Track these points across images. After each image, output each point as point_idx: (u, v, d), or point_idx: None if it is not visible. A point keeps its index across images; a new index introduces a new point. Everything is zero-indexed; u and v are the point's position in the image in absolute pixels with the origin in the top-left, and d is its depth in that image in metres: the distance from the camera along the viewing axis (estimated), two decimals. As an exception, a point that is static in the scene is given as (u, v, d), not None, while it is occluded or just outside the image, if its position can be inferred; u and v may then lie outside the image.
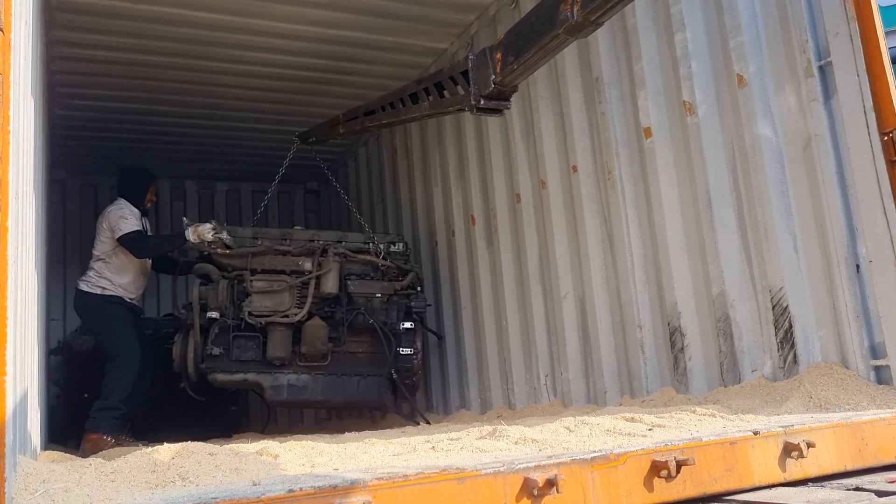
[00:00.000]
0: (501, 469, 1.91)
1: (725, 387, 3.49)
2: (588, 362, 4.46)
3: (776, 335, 3.29)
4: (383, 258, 5.34)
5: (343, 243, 5.41)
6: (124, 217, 5.29)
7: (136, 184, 5.63)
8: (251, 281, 5.12)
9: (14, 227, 1.70)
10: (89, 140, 7.19)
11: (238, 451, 2.61)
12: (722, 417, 2.68)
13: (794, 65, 3.27)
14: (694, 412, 2.82)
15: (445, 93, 4.07)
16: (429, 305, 5.81)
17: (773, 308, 3.30)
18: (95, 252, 5.40)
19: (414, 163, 6.54)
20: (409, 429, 4.48)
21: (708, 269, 3.60)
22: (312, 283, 5.13)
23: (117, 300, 5.35)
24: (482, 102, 3.66)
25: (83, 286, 5.36)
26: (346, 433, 4.41)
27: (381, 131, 6.89)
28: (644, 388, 3.96)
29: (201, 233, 5.08)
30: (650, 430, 2.48)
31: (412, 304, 5.31)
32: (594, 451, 2.05)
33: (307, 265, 5.21)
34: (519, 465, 1.93)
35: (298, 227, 5.77)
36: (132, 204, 5.45)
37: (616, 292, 4.22)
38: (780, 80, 3.35)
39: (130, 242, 5.25)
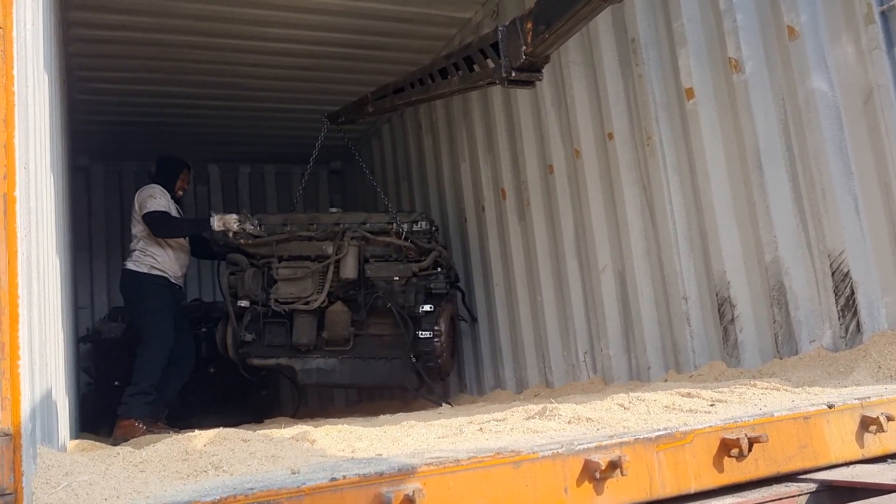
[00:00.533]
0: (560, 451, 1.75)
1: (781, 359, 3.30)
2: (629, 337, 4.28)
3: (836, 303, 3.09)
4: (405, 238, 5.18)
5: (368, 224, 5.30)
6: (153, 196, 5.26)
7: (169, 170, 5.62)
8: (277, 268, 5.17)
9: (24, 199, 1.56)
10: (110, 125, 7.09)
11: (273, 436, 2.48)
12: (787, 391, 2.50)
13: (852, 12, 3.04)
14: (755, 386, 2.64)
15: (475, 66, 3.93)
16: (454, 287, 5.60)
17: (833, 274, 3.09)
18: (134, 232, 5.33)
19: (440, 138, 6.36)
20: (446, 409, 4.34)
21: (759, 234, 3.40)
22: (331, 267, 5.11)
23: (162, 281, 5.25)
24: (513, 74, 3.55)
25: (130, 265, 5.25)
26: (381, 416, 4.28)
27: (405, 108, 6.75)
28: (691, 362, 3.77)
29: (227, 221, 5.12)
30: (712, 405, 2.31)
31: (431, 285, 5.13)
32: (658, 430, 1.89)
33: (330, 250, 5.18)
34: (578, 446, 1.77)
35: (335, 210, 5.65)
36: (164, 189, 5.41)
37: (658, 263, 4.03)
38: (836, 30, 3.13)
39: (153, 220, 5.20)
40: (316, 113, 7.25)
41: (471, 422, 2.77)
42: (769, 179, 3.36)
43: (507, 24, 3.61)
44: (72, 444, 3.68)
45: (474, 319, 5.66)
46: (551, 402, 2.47)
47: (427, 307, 5.07)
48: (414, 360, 5.03)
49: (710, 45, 3.66)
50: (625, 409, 2.34)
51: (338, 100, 6.95)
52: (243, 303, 5.11)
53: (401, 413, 4.60)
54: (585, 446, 1.78)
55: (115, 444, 3.98)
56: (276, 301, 5.09)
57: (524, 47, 3.45)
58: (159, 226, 5.22)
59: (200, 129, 7.46)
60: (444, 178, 6.31)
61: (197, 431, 2.59)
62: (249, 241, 5.18)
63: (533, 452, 1.74)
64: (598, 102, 4.43)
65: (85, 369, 6.79)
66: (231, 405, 6.93)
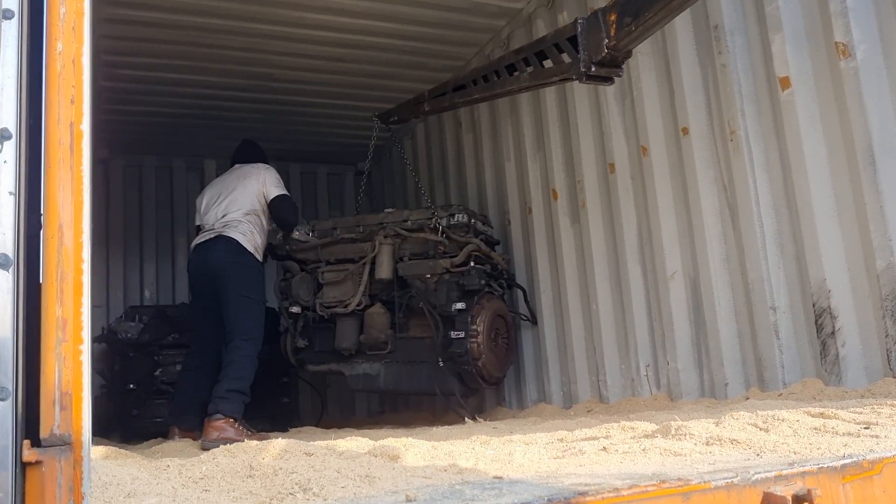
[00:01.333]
0: (735, 481, 1.40)
1: (895, 377, 2.94)
2: (701, 350, 3.92)
3: (969, 315, 2.74)
4: (441, 233, 4.86)
5: (409, 222, 5.06)
6: (280, 179, 4.89)
7: (262, 156, 5.20)
8: (323, 272, 5.13)
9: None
10: (134, 115, 6.77)
11: (339, 449, 2.13)
12: (942, 414, 2.14)
13: None
14: (894, 405, 2.28)
15: (547, 62, 3.68)
16: (509, 285, 5.31)
17: (965, 282, 2.74)
18: (244, 207, 4.70)
19: (482, 136, 6.02)
20: (500, 425, 3.98)
21: (870, 237, 3.05)
22: (367, 268, 4.97)
23: (262, 270, 4.79)
24: (593, 70, 3.36)
25: (240, 238, 4.58)
26: (432, 427, 3.93)
27: (464, 107, 6.39)
28: (780, 378, 3.41)
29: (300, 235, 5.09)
30: (867, 428, 1.96)
31: (463, 281, 4.80)
32: (843, 458, 1.54)
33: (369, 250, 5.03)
34: (756, 476, 1.42)
35: (390, 210, 5.37)
36: None
37: (740, 270, 3.68)
38: (971, 9, 2.80)
39: (291, 205, 4.88)
40: (351, 109, 6.98)
41: (561, 440, 2.43)
42: (883, 177, 3.01)
43: (586, 16, 3.42)
44: (98, 451, 3.32)
45: (534, 321, 5.22)
46: (675, 420, 2.10)
47: (460, 305, 4.74)
48: (441, 363, 4.73)
49: (812, 29, 3.33)
50: (763, 430, 1.99)
51: (375, 94, 6.68)
52: (295, 309, 5.09)
53: (443, 426, 4.25)
54: (763, 475, 1.43)
55: (206, 448, 3.65)
56: (321, 305, 5.03)
57: (606, 40, 3.26)
58: (293, 215, 4.90)
59: (227, 123, 7.12)
60: (485, 178, 5.97)
61: (249, 442, 2.25)
62: (297, 247, 5.17)
63: (704, 483, 1.39)
64: (670, 95, 4.09)
65: (99, 371, 6.45)
66: (251, 413, 6.56)
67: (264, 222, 4.79)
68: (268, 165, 4.95)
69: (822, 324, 3.23)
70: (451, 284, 4.80)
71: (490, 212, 5.85)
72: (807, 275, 3.31)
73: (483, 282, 4.84)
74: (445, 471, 1.69)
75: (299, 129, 7.43)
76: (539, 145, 5.24)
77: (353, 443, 2.55)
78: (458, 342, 4.71)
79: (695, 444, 1.81)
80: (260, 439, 4.04)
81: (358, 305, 4.97)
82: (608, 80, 3.49)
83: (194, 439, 4.36)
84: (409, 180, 7.41)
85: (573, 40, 3.45)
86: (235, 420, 4.12)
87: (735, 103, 3.64)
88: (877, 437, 1.81)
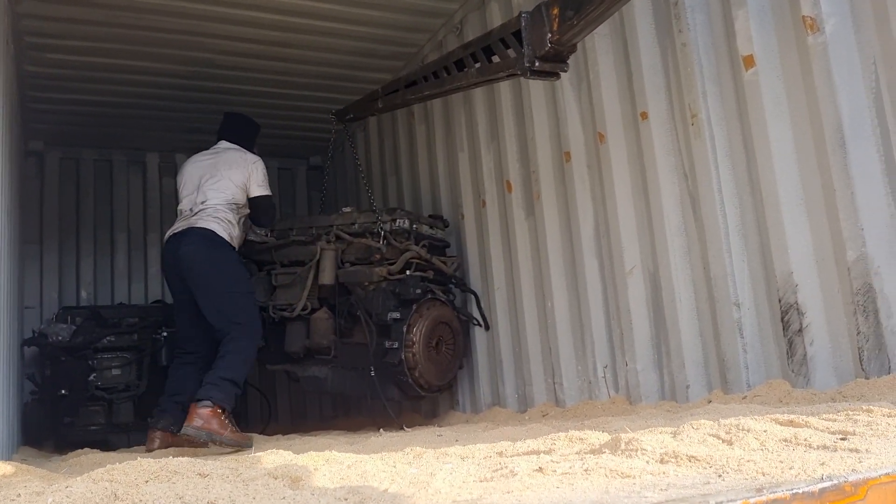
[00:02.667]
0: (692, 514, 1.13)
1: (867, 378, 2.70)
2: (662, 350, 3.68)
3: (947, 310, 2.51)
4: (382, 239, 4.75)
5: (356, 225, 4.95)
6: (266, 176, 4.71)
7: (254, 135, 5.01)
8: (276, 275, 5.10)
9: None
10: (67, 104, 6.37)
11: (240, 471, 1.83)
12: (925, 420, 1.89)
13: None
14: (871, 412, 2.04)
15: (494, 57, 3.61)
16: (460, 290, 5.12)
17: (944, 274, 2.52)
18: (227, 197, 4.51)
19: (435, 126, 5.73)
20: (447, 432, 3.70)
21: (840, 228, 2.81)
22: (312, 272, 4.89)
23: (241, 261, 4.66)
24: (537, 65, 3.30)
25: (217, 229, 4.39)
26: (370, 437, 3.64)
27: (417, 103, 6.16)
28: (744, 380, 3.17)
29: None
30: (843, 439, 1.70)
31: (399, 290, 4.69)
32: (821, 480, 1.27)
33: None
34: (717, 506, 1.15)
35: (347, 209, 5.21)
36: None
37: (701, 264, 3.43)
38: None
39: (270, 206, 4.79)
40: (301, 99, 6.66)
41: (500, 453, 2.15)
42: (854, 161, 2.77)
43: (530, 10, 3.32)
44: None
45: (487, 327, 5.00)
46: (626, 433, 1.83)
47: (395, 315, 4.66)
48: (373, 372, 4.65)
49: (778, 4, 3.09)
50: (726, 442, 1.72)
51: (326, 84, 6.37)
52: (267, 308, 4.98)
53: (388, 434, 3.96)
54: (726, 505, 1.16)
55: (194, 437, 3.76)
56: (273, 307, 4.99)
57: (549, 35, 3.20)
58: (269, 217, 4.85)
59: (169, 114, 6.76)
60: (438, 170, 5.68)
61: (142, 461, 1.93)
62: (254, 248, 5.10)
63: (655, 517, 1.12)
64: (628, 78, 3.84)
65: (29, 376, 6.05)
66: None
67: (244, 213, 4.68)
68: (257, 158, 4.75)
69: (788, 321, 3.00)
70: (388, 293, 4.69)
71: (443, 205, 5.58)
72: (772, 268, 3.07)
73: (419, 291, 4.72)
74: (346, 500, 1.39)
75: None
76: (493, 135, 4.97)
77: (268, 459, 2.24)
78: (392, 352, 4.62)
79: (647, 463, 1.54)
80: (240, 438, 3.93)
81: (304, 310, 4.90)
82: (553, 75, 3.40)
83: (174, 442, 4.26)
84: (364, 173, 7.10)
85: (518, 35, 3.36)
86: (223, 410, 3.91)
87: (696, 85, 3.40)
88: (857, 451, 1.56)
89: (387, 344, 4.65)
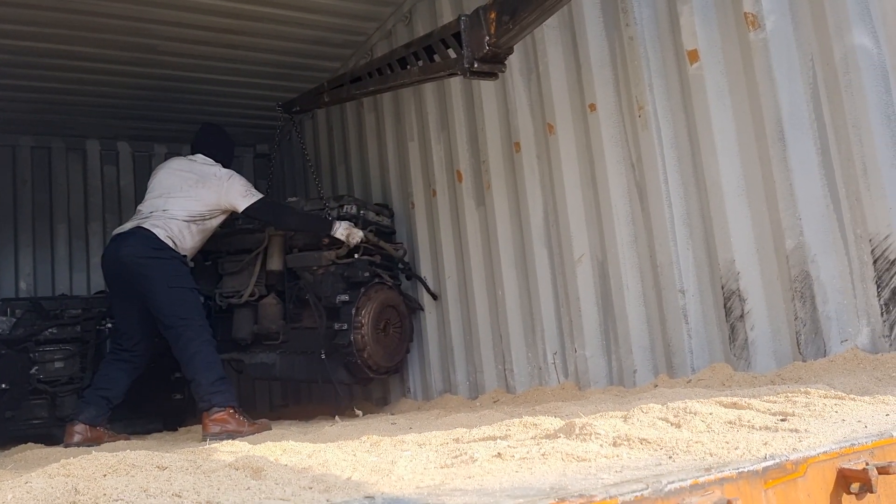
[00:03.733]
0: (646, 493, 1.19)
1: (805, 361, 2.83)
2: (610, 336, 3.77)
3: (879, 296, 2.64)
4: None
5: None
6: (248, 183, 4.72)
7: (230, 148, 5.01)
8: (222, 263, 5.16)
9: None
10: (3, 90, 6.15)
11: (201, 461, 1.83)
12: (858, 401, 2.00)
13: (905, -46, 2.60)
14: (808, 393, 2.14)
15: (436, 57, 3.77)
16: (405, 275, 5.22)
17: (875, 262, 2.64)
18: (186, 213, 4.50)
19: (384, 115, 5.74)
20: (400, 419, 3.73)
21: (779, 217, 2.93)
22: (260, 259, 5.03)
23: (186, 263, 4.59)
24: (476, 66, 3.46)
25: (160, 234, 4.38)
26: (325, 426, 3.65)
27: (362, 98, 6.17)
28: (688, 364, 3.28)
29: (353, 235, 4.80)
30: (783, 420, 1.79)
31: (348, 273, 4.80)
32: (764, 459, 1.35)
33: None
34: (669, 486, 1.21)
35: (292, 199, 5.32)
36: None
37: (648, 252, 3.53)
38: (882, -23, 2.69)
39: (273, 208, 4.80)
40: (246, 87, 6.58)
41: (457, 439, 2.19)
42: (793, 153, 2.88)
43: (469, 13, 3.47)
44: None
45: (435, 297, 5.10)
46: (580, 417, 1.89)
47: (344, 297, 4.73)
48: (324, 354, 4.72)
49: (721, 1, 3.18)
50: (674, 425, 1.79)
51: (273, 72, 6.31)
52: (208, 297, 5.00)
53: (344, 422, 3.99)
54: (677, 485, 1.22)
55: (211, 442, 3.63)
56: (220, 295, 5.05)
57: (487, 38, 3.35)
58: (281, 215, 4.83)
59: (109, 101, 6.60)
60: (388, 160, 5.69)
61: (98, 454, 1.92)
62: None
63: (610, 498, 1.17)
64: (577, 70, 3.91)
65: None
66: (140, 410, 6.12)
67: (210, 225, 4.63)
68: (231, 172, 4.73)
69: (730, 307, 3.11)
70: (337, 276, 4.81)
71: (393, 195, 5.59)
72: (716, 256, 3.18)
73: (366, 274, 4.81)
74: (311, 489, 1.41)
75: (192, 107, 6.93)
76: (443, 124, 5.00)
77: (223, 450, 2.24)
78: (342, 334, 4.70)
79: (601, 446, 1.60)
80: (259, 428, 4.01)
81: (252, 296, 4.99)
82: (492, 75, 3.54)
83: (95, 437, 4.25)
84: (313, 163, 7.06)
85: (458, 36, 3.50)
86: (234, 409, 4.04)
87: (643, 78, 3.48)
88: (796, 430, 1.64)
89: (336, 326, 4.71)
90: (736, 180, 3.10)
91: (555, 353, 4.10)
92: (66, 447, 4.12)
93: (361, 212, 5.04)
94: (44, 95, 6.33)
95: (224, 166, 4.78)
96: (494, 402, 4.35)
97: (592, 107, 3.78)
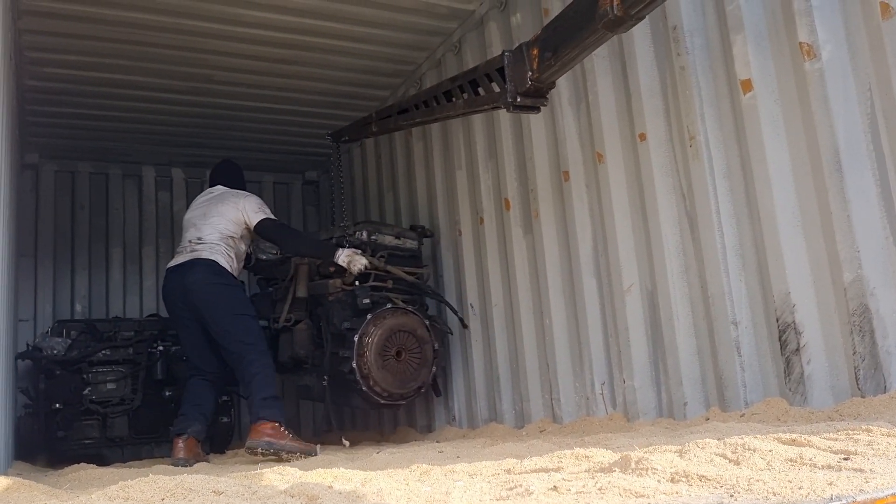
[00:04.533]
0: (710, 533, 1.17)
1: (864, 397, 2.76)
2: (659, 367, 3.72)
3: (943, 331, 2.56)
4: None
5: (333, 239, 5.19)
6: (265, 204, 4.94)
7: (240, 175, 5.27)
8: (275, 290, 5.31)
9: None
10: (64, 118, 6.38)
11: (255, 487, 1.86)
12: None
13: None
14: (870, 431, 2.08)
15: (480, 90, 3.85)
16: (411, 300, 5.17)
17: (939, 296, 2.57)
18: (222, 231, 4.75)
19: (432, 143, 5.79)
20: (447, 447, 3.72)
21: (836, 249, 2.87)
22: (292, 287, 5.13)
23: (243, 288, 4.95)
24: (518, 100, 3.57)
25: (217, 258, 4.65)
26: (374, 453, 3.66)
27: (408, 129, 6.27)
28: (741, 398, 3.22)
29: (355, 262, 4.78)
30: (846, 459, 1.75)
31: (350, 300, 4.87)
32: (830, 500, 1.32)
33: None
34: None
35: (344, 225, 5.34)
36: None
37: (699, 283, 3.49)
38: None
39: (281, 229, 4.93)
40: (298, 115, 6.71)
41: (508, 470, 2.18)
42: (851, 184, 2.83)
43: (513, 49, 3.60)
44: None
45: (465, 325, 5.21)
46: (635, 451, 1.87)
47: (347, 324, 4.82)
48: (325, 381, 4.86)
49: (775, 30, 3.16)
50: (733, 462, 1.76)
51: (322, 101, 6.43)
52: (262, 322, 5.03)
53: (388, 448, 4.00)
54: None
55: (257, 451, 4.14)
56: (273, 320, 5.16)
57: (530, 73, 3.47)
58: (285, 236, 4.95)
59: (165, 128, 6.79)
60: (435, 188, 5.74)
61: (154, 478, 1.95)
62: (260, 266, 5.36)
63: (674, 537, 1.16)
64: (626, 99, 3.90)
65: (23, 389, 6.02)
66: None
67: (242, 247, 4.87)
68: (247, 193, 5.00)
69: (786, 340, 3.05)
70: (344, 304, 4.89)
71: (440, 221, 5.63)
72: (770, 288, 3.12)
73: (367, 300, 4.82)
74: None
75: (243, 135, 7.10)
76: (491, 153, 5.03)
77: (276, 476, 2.27)
78: (344, 361, 4.76)
79: (658, 482, 1.58)
80: (302, 445, 4.32)
81: (288, 321, 5.08)
82: (534, 109, 3.66)
83: (195, 452, 4.50)
84: (360, 189, 7.15)
85: (501, 71, 3.61)
86: (279, 424, 4.26)
87: (694, 107, 3.47)
88: (861, 470, 1.60)
89: (341, 353, 4.79)
90: (791, 211, 3.06)
91: (602, 384, 4.06)
92: (173, 462, 4.36)
93: (373, 237, 5.09)
94: (103, 123, 6.54)
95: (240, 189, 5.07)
96: (541, 431, 4.31)
97: (642, 136, 3.77)
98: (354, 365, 4.68)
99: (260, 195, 7.92)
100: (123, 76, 5.75)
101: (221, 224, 4.76)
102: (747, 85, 3.21)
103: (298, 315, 5.10)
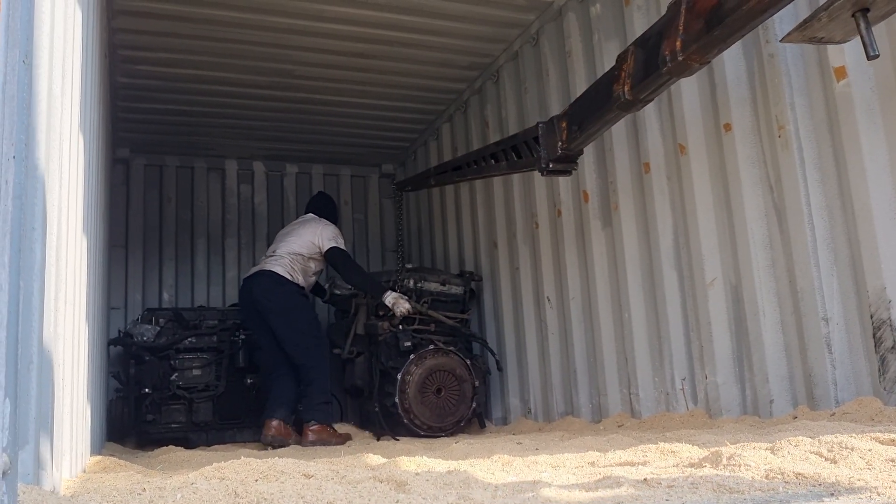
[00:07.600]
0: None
1: (965, 398, 2.64)
2: (744, 364, 3.63)
3: None
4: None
5: (390, 282, 5.69)
6: (340, 236, 5.57)
7: (334, 208, 5.95)
8: (346, 323, 5.85)
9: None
10: (153, 113, 6.62)
11: (343, 472, 1.90)
12: None
13: None
14: (976, 434, 1.99)
15: (520, 155, 4.39)
16: (453, 341, 5.68)
17: None
18: (291, 249, 5.45)
19: (509, 134, 5.76)
20: (525, 440, 3.72)
21: (937, 243, 2.75)
22: (354, 323, 5.68)
23: (305, 293, 5.56)
24: (551, 166, 4.07)
25: (279, 270, 5.36)
26: (453, 443, 3.69)
27: (469, 101, 6.31)
28: (832, 396, 3.12)
29: (399, 306, 5.31)
30: (951, 460, 1.68)
31: (393, 341, 5.40)
32: (940, 502, 1.27)
33: None
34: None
35: (409, 266, 6.10)
36: None
37: (787, 277, 3.39)
38: None
39: (343, 257, 5.46)
40: (376, 108, 6.80)
41: (592, 463, 2.17)
42: (953, 175, 2.71)
43: (545, 121, 4.12)
44: (92, 462, 3.14)
45: (500, 369, 5.81)
46: (726, 446, 1.84)
47: (392, 363, 5.36)
48: (377, 408, 5.35)
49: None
50: (830, 460, 1.71)
51: (399, 94, 6.49)
52: (336, 350, 5.73)
53: (464, 439, 4.03)
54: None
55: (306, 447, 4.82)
56: (344, 350, 5.68)
57: (560, 143, 3.94)
58: (347, 266, 5.48)
59: (247, 122, 6.96)
60: (512, 180, 5.72)
61: (247, 460, 2.02)
62: (336, 298, 5.98)
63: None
64: (710, 89, 3.82)
65: (114, 374, 6.29)
66: (247, 421, 6.40)
67: (311, 265, 5.49)
68: (328, 222, 5.65)
69: (880, 337, 2.94)
70: (389, 344, 5.44)
71: (517, 216, 5.61)
72: (864, 283, 3.01)
73: (408, 343, 5.34)
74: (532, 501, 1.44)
75: (322, 128, 7.22)
76: (569, 145, 4.98)
77: (363, 462, 2.31)
78: (389, 395, 5.31)
79: (752, 479, 1.55)
80: (341, 440, 5.03)
81: (350, 353, 5.64)
82: (566, 172, 4.17)
83: (286, 433, 5.12)
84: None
85: (537, 140, 4.12)
86: (329, 426, 5.11)
87: (784, 97, 3.36)
88: (970, 473, 1.53)
89: (387, 388, 5.34)
90: (888, 203, 2.94)
91: (683, 379, 3.99)
92: (263, 441, 5.05)
93: (419, 284, 5.66)
94: (189, 118, 6.76)
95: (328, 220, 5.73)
96: (619, 426, 4.27)
97: (727, 126, 3.68)
98: (397, 400, 5.24)
99: (337, 188, 8.18)
100: (209, 72, 5.93)
101: (295, 244, 5.45)
102: (841, 72, 3.10)
103: (359, 348, 5.64)
